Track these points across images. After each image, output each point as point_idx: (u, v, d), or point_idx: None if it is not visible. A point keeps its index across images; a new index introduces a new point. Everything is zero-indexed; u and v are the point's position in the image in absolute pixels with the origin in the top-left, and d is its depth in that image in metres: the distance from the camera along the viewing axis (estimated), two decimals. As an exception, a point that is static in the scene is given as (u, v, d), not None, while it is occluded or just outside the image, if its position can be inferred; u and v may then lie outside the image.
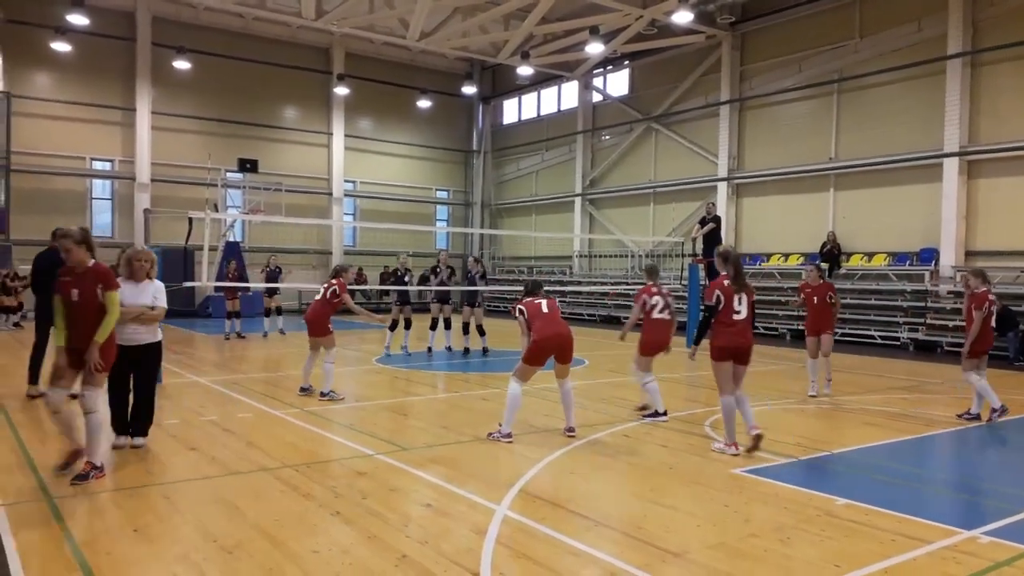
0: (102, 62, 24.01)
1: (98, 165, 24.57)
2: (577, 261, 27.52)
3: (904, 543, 4.59)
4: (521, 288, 7.95)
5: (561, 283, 25.71)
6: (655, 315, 8.26)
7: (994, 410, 8.42)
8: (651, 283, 8.45)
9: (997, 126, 16.67)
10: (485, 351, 14.08)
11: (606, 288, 23.12)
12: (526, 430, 7.63)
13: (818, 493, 5.62)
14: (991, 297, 8.36)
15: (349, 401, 9.40)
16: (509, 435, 7.21)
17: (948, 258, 17.08)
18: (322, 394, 9.25)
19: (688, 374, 11.88)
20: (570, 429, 7.48)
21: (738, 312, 6.82)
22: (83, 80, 23.78)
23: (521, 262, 30.10)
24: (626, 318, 22.46)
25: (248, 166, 24.69)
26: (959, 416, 8.62)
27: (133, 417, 6.80)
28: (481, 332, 14.22)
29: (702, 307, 7.57)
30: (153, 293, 6.75)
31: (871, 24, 19.06)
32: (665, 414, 8.27)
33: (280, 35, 26.53)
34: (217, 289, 20.29)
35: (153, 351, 6.83)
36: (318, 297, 9.55)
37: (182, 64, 24.23)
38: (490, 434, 7.33)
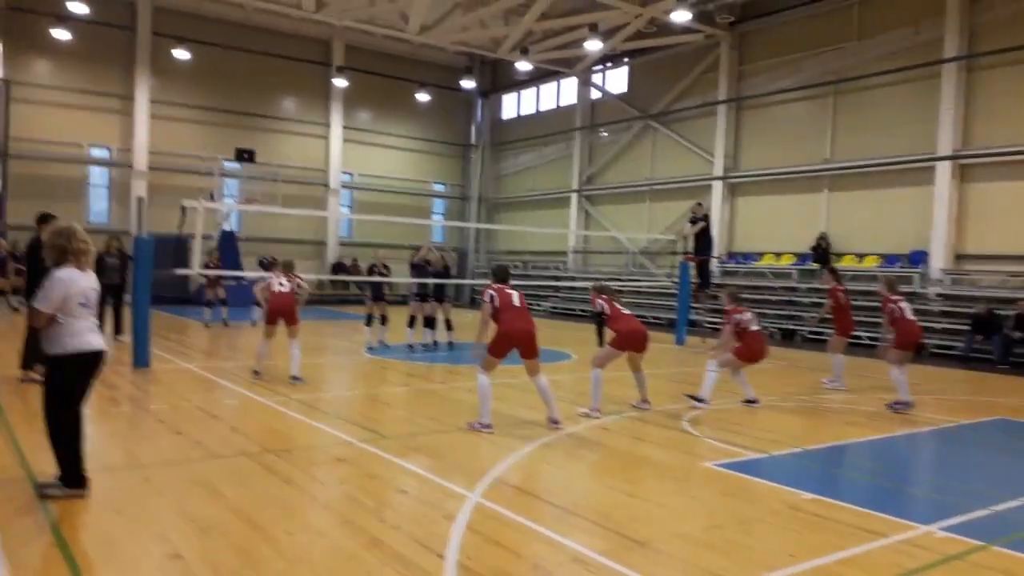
0: (102, 50, 24.07)
1: (96, 152, 24.67)
2: (572, 257, 27.62)
3: (862, 536, 4.72)
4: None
5: (556, 278, 25.80)
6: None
7: (898, 403, 9.09)
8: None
9: (990, 130, 16.74)
10: (450, 345, 14.25)
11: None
12: (508, 421, 7.75)
13: (786, 487, 5.73)
14: (893, 298, 9.36)
15: (337, 391, 9.55)
16: (488, 425, 7.33)
17: (938, 261, 17.18)
18: (293, 378, 9.75)
19: (673, 370, 11.99)
20: (554, 420, 7.55)
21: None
22: (82, 68, 23.84)
23: (516, 256, 30.18)
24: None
25: (245, 156, 24.76)
26: (887, 406, 9.25)
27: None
28: (448, 327, 14.39)
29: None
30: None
31: (869, 26, 19.12)
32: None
33: (280, 27, 26.56)
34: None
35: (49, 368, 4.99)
36: (285, 290, 10.03)
37: (182, 54, 24.30)
38: (470, 424, 7.45)
